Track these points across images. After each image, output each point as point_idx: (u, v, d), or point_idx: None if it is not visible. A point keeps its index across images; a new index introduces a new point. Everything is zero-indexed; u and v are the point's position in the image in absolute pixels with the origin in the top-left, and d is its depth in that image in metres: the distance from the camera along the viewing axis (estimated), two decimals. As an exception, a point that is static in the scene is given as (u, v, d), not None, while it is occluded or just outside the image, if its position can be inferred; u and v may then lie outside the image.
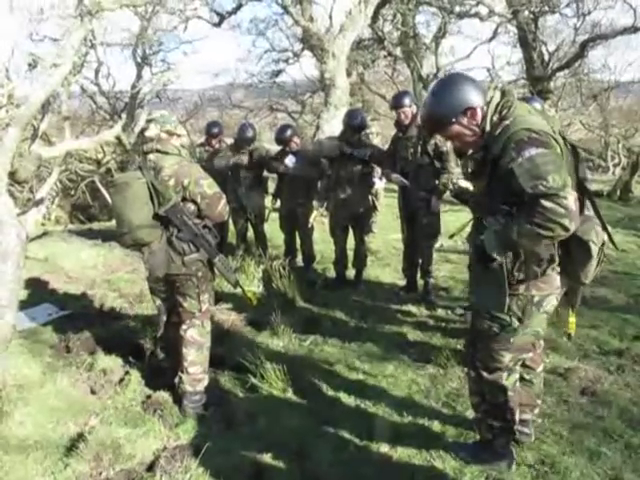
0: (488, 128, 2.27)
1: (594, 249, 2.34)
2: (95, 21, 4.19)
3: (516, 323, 2.39)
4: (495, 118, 2.26)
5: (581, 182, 2.38)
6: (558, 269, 2.42)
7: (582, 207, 2.33)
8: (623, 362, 3.81)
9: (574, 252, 2.37)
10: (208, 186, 3.10)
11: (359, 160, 5.23)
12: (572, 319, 2.89)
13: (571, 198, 2.07)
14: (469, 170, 2.50)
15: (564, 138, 2.30)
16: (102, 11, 3.81)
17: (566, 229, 2.09)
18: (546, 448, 2.86)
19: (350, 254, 5.73)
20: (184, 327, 3.29)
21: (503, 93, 2.32)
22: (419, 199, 4.88)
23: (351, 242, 5.67)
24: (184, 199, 3.10)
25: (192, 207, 3.13)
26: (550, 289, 2.42)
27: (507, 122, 2.21)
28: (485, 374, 2.56)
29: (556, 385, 3.52)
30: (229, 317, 4.69)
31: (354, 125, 5.24)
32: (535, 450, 2.84)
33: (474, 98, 2.27)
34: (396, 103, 4.91)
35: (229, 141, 6.52)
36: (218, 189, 3.17)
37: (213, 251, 3.19)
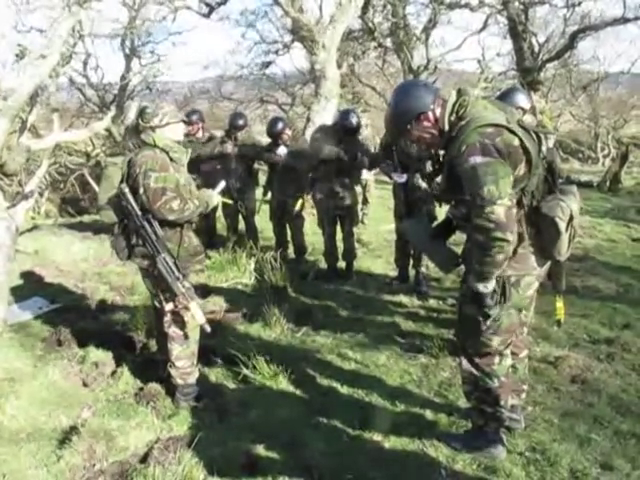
0: (447, 128, 2.40)
1: (561, 224, 2.39)
2: (83, 11, 4.15)
3: (496, 309, 2.45)
4: (453, 118, 2.39)
5: (550, 165, 2.51)
6: (531, 248, 2.49)
7: (551, 189, 2.49)
8: (613, 350, 3.84)
9: (543, 230, 2.45)
10: (155, 180, 2.99)
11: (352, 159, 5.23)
12: (559, 304, 2.93)
13: (500, 210, 2.22)
14: (429, 169, 2.68)
15: (524, 127, 2.37)
16: (90, 1, 3.77)
17: (502, 239, 2.25)
18: (537, 435, 2.89)
19: (340, 245, 5.74)
20: (165, 324, 3.26)
21: (459, 93, 2.43)
22: (419, 190, 4.88)
23: (340, 233, 5.68)
24: (136, 189, 3.04)
25: (140, 198, 3.05)
26: (525, 268, 2.49)
27: (463, 122, 2.33)
28: (477, 359, 2.60)
29: (547, 373, 3.55)
30: (221, 309, 4.68)
31: (347, 126, 5.25)
32: (526, 437, 2.87)
33: (423, 103, 2.41)
34: None
35: (218, 133, 6.49)
36: (166, 186, 3.00)
37: (154, 248, 3.04)
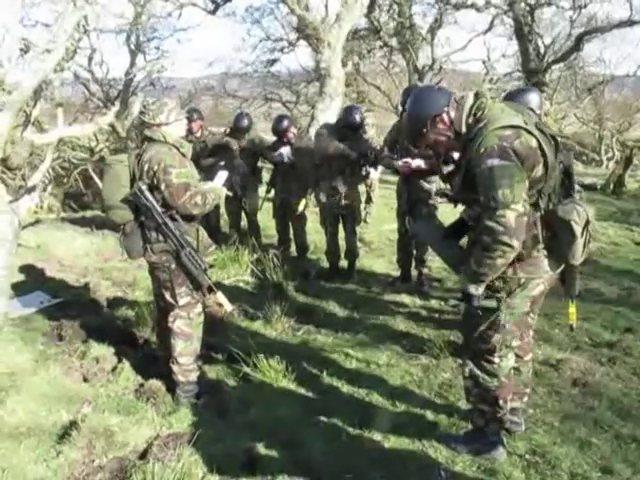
0: (464, 130, 2.41)
1: (577, 228, 2.38)
2: (88, 6, 4.14)
3: (494, 303, 2.46)
4: (470, 120, 2.40)
5: (567, 169, 2.51)
6: (545, 252, 2.48)
7: (568, 192, 2.50)
8: (614, 354, 3.84)
9: (559, 233, 2.44)
10: (177, 175, 3.01)
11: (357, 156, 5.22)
12: (572, 310, 2.90)
13: (511, 215, 2.23)
14: (445, 171, 2.71)
15: (541, 130, 2.37)
16: (96, -4, 3.75)
17: (507, 245, 2.26)
18: (537, 438, 2.88)
19: (342, 244, 5.73)
20: (170, 319, 3.26)
21: (476, 95, 2.43)
22: (422, 190, 4.87)
23: (343, 232, 5.67)
24: (155, 186, 3.04)
25: (160, 195, 3.06)
26: (537, 272, 2.49)
27: (481, 125, 2.33)
28: (479, 357, 2.60)
29: (548, 376, 3.54)
30: (222, 306, 4.67)
31: (351, 122, 5.23)
32: (526, 440, 2.86)
33: (437, 105, 2.44)
34: (407, 98, 4.88)
35: (215, 129, 6.48)
36: (189, 181, 3.05)
37: (179, 243, 3.08)
